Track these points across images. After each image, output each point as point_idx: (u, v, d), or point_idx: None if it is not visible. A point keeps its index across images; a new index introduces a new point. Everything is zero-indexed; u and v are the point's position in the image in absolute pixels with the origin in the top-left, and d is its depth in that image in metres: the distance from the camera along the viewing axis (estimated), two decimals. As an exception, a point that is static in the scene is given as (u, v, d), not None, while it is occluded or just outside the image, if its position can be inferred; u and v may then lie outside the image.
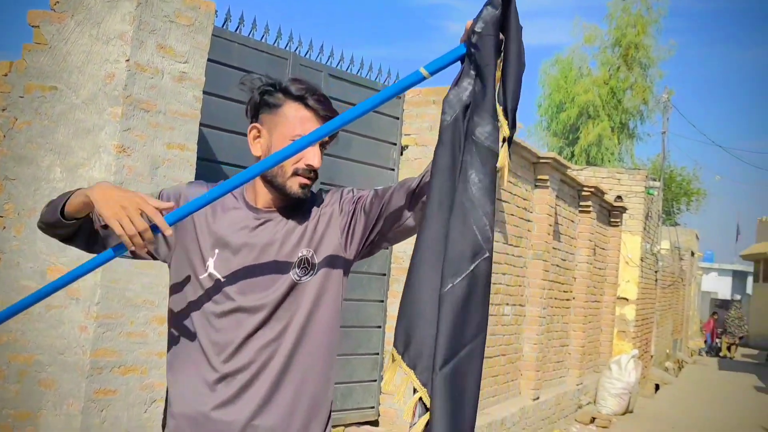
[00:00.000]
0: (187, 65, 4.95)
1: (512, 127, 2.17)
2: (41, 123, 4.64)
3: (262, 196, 2.50)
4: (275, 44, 6.50)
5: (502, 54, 2.16)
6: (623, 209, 14.98)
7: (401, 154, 7.67)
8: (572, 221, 12.34)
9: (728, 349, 34.62)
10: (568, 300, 12.16)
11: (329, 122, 2.31)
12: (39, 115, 4.64)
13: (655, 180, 20.00)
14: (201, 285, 2.47)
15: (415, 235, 2.22)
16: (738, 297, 44.53)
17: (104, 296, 4.55)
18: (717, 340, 35.41)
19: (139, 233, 2.15)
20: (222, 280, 2.44)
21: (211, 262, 2.45)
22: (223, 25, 6.04)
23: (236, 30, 6.16)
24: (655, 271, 19.34)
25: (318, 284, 2.46)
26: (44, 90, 4.65)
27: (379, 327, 7.52)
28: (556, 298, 11.31)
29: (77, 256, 4.47)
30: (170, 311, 2.57)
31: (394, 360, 2.10)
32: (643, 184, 16.67)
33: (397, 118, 7.64)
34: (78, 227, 2.42)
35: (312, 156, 2.43)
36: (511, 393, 9.93)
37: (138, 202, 2.17)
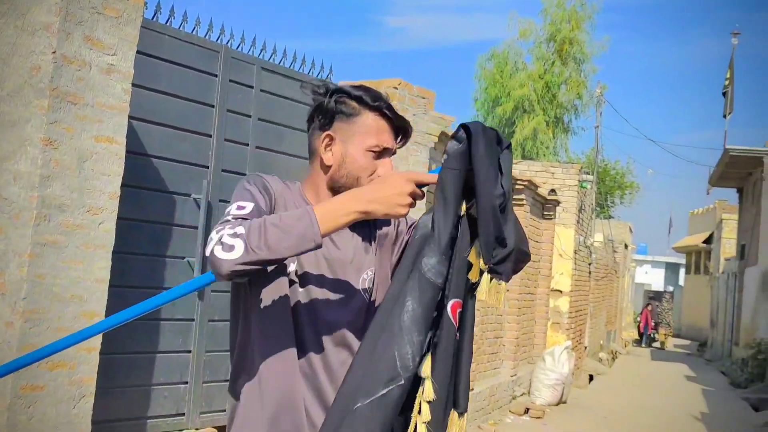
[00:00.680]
0: (116, 57, 4.90)
1: (489, 261, 2.17)
2: (-35, 115, 4.55)
3: None
4: (207, 37, 6.46)
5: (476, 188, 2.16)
6: (557, 202, 15.15)
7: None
8: (506, 214, 12.42)
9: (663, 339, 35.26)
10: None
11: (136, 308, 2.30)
12: (-38, 107, 4.56)
13: (588, 174, 20.28)
14: (285, 296, 2.34)
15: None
16: (671, 289, 45.35)
17: (31, 291, 4.48)
18: (652, 331, 36.00)
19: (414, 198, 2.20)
20: (300, 290, 2.34)
21: (292, 275, 2.34)
22: (153, 17, 5.99)
23: (167, 22, 6.12)
24: (589, 264, 19.60)
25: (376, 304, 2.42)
26: (-32, 82, 4.57)
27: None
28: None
29: (1, 250, 4.41)
30: (251, 324, 2.36)
31: None
32: (576, 178, 16.87)
33: (331, 112, 7.62)
34: None
35: (387, 168, 2.39)
36: (445, 385, 9.97)
37: (407, 187, 2.18)
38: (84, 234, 4.74)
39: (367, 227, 2.48)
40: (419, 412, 2.16)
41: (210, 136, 6.46)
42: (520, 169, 16.05)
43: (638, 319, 38.87)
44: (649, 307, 36.48)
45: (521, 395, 13.01)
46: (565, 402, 13.95)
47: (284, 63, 7.20)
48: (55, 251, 4.58)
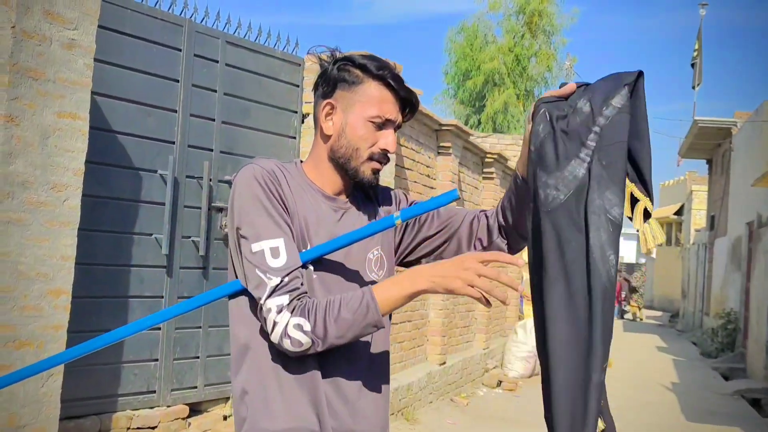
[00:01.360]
0: (77, 32, 4.84)
1: (651, 201, 2.17)
2: (-77, 92, 4.49)
3: (330, 179, 2.34)
4: (170, 11, 6.40)
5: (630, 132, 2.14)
6: (527, 175, 15.15)
7: (302, 122, 7.63)
8: (476, 188, 12.48)
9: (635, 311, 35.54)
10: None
11: (329, 244, 2.21)
12: None
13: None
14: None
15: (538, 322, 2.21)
16: (643, 261, 45.63)
17: (-5, 269, 4.44)
18: (623, 302, 36.26)
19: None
20: (314, 276, 2.24)
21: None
22: (115, -8, 5.92)
23: (129, -4, 6.05)
24: (560, 236, 19.64)
25: None
26: (-74, 58, 4.50)
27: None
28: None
29: (-35, 228, 4.36)
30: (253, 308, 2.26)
31: None
32: (546, 150, 16.88)
33: (297, 86, 7.60)
34: None
35: (389, 140, 2.30)
36: (417, 359, 10.03)
37: (471, 263, 2.07)
38: (48, 211, 4.69)
39: (371, 205, 2.43)
40: None
41: (175, 111, 6.41)
42: (491, 142, 16.08)
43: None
44: (621, 280, 36.73)
45: (494, 368, 13.06)
46: (537, 374, 14.01)
47: (249, 37, 7.14)
48: (19, 229, 4.54)
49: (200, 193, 6.60)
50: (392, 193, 2.54)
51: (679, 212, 39.38)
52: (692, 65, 28.32)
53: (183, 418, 6.48)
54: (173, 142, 6.38)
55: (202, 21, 6.69)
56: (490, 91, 33.36)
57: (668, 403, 12.37)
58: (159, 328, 6.31)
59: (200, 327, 6.66)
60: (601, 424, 2.05)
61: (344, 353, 2.24)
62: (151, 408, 6.27)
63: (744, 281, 18.25)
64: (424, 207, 2.28)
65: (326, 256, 2.25)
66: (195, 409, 6.70)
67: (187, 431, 6.46)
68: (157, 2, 6.29)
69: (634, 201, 2.18)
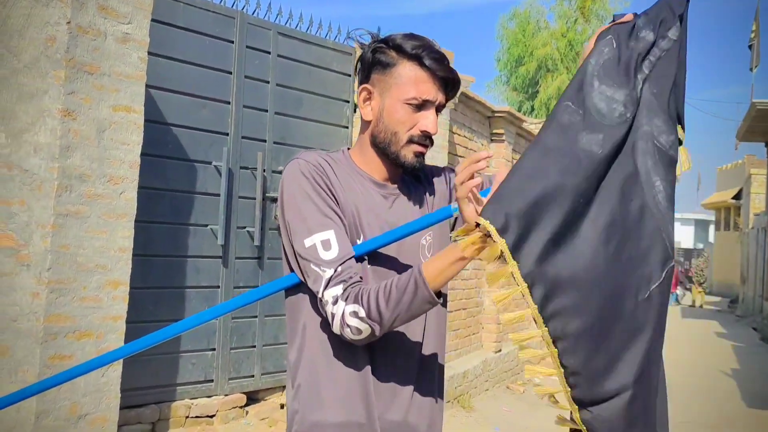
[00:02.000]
0: (131, 26, 4.90)
1: (683, 129, 2.14)
2: (-17, 89, 4.58)
3: (376, 165, 2.30)
4: (222, 3, 6.45)
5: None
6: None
7: (354, 111, 7.64)
8: (530, 174, 12.39)
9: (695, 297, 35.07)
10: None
11: (384, 236, 2.17)
12: (-20, 80, 4.58)
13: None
14: None
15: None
16: (701, 246, 45.06)
17: (55, 262, 4.52)
18: (677, 290, 35.80)
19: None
20: (368, 267, 2.22)
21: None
22: (167, -15, 5.98)
23: (182, -10, 6.10)
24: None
25: None
26: (-15, 55, 4.58)
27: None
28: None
29: (25, 222, 4.45)
30: (308, 301, 2.25)
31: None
32: (601, 136, 16.74)
33: (349, 75, 7.61)
34: None
35: (428, 121, 2.22)
36: (473, 346, 10.02)
37: (460, 191, 2.00)
38: (106, 204, 4.76)
39: (421, 188, 2.39)
40: None
41: (228, 102, 6.46)
42: (544, 128, 15.95)
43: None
44: (679, 266, 36.27)
45: (550, 355, 13.00)
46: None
47: (301, 27, 7.17)
48: (77, 221, 4.61)
49: (254, 184, 6.65)
50: (444, 172, 2.48)
51: (737, 196, 38.78)
52: (749, 47, 27.81)
53: (240, 407, 6.55)
54: (227, 134, 6.44)
55: (253, 13, 6.73)
56: (543, 77, 33.18)
57: (728, 389, 12.23)
58: (216, 319, 6.37)
59: (256, 316, 6.72)
60: None
61: (398, 346, 2.23)
62: (209, 397, 6.34)
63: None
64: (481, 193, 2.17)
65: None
66: (252, 398, 6.77)
67: (244, 419, 6.53)
68: (209, -5, 6.34)
69: None
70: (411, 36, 2.25)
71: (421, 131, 2.22)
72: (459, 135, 9.09)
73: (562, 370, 1.96)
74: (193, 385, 6.23)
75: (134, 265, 5.02)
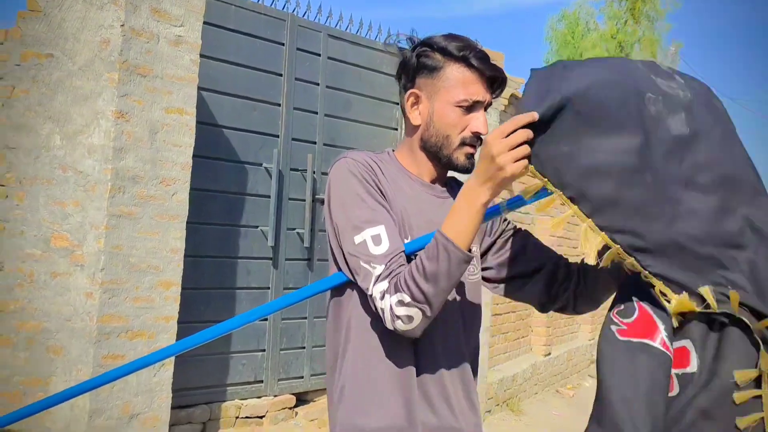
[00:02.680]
0: (183, 29, 4.94)
1: None
2: (39, 91, 4.64)
3: (425, 167, 2.29)
4: (273, 5, 6.48)
5: None
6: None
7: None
8: (580, 176, 12.30)
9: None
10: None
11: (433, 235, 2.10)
12: (36, 83, 4.64)
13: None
14: None
15: None
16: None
17: (108, 262, 4.57)
18: None
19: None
20: None
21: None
22: (219, -12, 6.02)
23: (233, -8, 6.14)
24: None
25: (479, 280, 2.37)
26: (40, 57, 4.65)
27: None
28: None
29: (79, 223, 4.50)
30: (359, 302, 2.22)
31: None
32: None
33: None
34: None
35: (479, 122, 2.21)
36: (522, 350, 9.96)
37: (497, 146, 1.96)
38: (158, 205, 4.80)
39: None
40: None
41: (279, 105, 6.48)
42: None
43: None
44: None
45: (600, 358, 12.90)
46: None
47: (350, 30, 7.17)
48: (130, 222, 4.66)
49: (304, 186, 6.66)
50: None
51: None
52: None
53: (290, 408, 6.57)
54: (277, 136, 6.46)
55: (304, 15, 6.75)
56: (593, 79, 32.85)
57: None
58: (266, 319, 6.39)
59: (306, 318, 6.73)
60: None
61: (440, 351, 2.21)
62: (259, 398, 6.36)
63: None
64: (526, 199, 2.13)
65: None
66: (302, 399, 6.78)
67: (294, 420, 6.55)
68: (259, -3, 6.38)
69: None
70: (452, 37, 2.23)
71: (473, 133, 2.21)
72: (508, 137, 9.02)
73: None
74: (243, 385, 6.26)
75: (186, 266, 5.06)
